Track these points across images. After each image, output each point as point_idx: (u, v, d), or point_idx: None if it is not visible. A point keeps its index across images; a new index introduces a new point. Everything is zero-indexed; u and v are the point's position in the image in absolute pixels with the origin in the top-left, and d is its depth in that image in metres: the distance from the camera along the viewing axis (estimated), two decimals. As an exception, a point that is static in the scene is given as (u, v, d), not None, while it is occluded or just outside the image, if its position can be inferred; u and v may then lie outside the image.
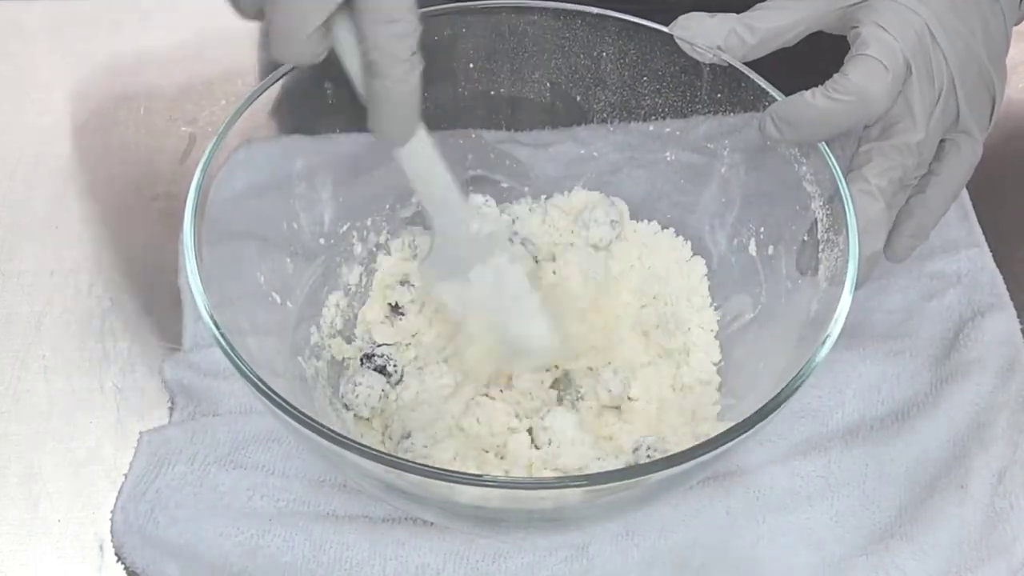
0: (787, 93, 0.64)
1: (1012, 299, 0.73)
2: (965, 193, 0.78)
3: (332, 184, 0.70)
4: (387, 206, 0.72)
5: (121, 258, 0.76)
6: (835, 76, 0.62)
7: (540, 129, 0.75)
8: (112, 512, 0.63)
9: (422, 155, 0.61)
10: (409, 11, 0.53)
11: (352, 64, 0.56)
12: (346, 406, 0.66)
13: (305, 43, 0.53)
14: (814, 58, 0.65)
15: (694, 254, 0.72)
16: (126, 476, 0.64)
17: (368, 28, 0.53)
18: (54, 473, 0.66)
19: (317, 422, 0.53)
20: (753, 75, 0.66)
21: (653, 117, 0.72)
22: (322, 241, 0.69)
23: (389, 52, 0.53)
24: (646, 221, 0.73)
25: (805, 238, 0.64)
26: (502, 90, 0.72)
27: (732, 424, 0.54)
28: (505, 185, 0.75)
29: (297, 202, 0.68)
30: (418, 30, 0.54)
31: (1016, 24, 0.69)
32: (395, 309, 0.69)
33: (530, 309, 0.66)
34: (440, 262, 0.66)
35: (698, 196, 0.72)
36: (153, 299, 0.73)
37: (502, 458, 0.64)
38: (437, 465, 0.53)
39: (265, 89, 0.64)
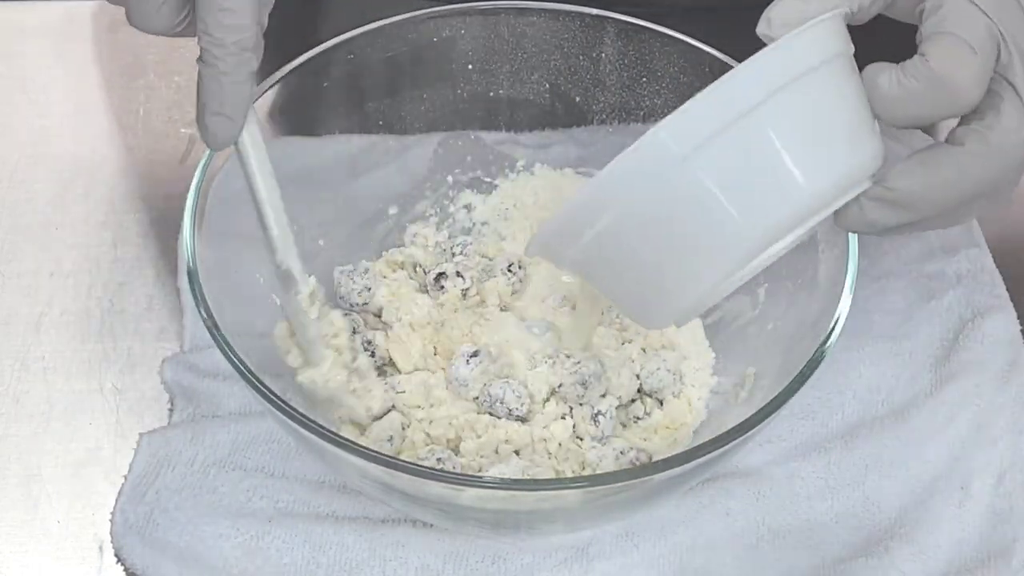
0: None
1: (1012, 300, 0.72)
2: (965, 194, 0.78)
3: (332, 185, 0.70)
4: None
5: (121, 259, 0.76)
6: (913, 58, 0.51)
7: (539, 130, 0.75)
8: (112, 513, 0.63)
9: (245, 162, 0.57)
10: (243, 4, 0.52)
11: None
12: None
13: (158, 15, 0.53)
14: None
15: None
16: (126, 477, 0.64)
17: (201, 12, 0.52)
18: (54, 474, 0.66)
19: (317, 423, 0.53)
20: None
21: (653, 118, 0.71)
22: (321, 243, 0.69)
23: (219, 41, 0.52)
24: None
25: (805, 239, 0.63)
26: (501, 91, 0.72)
27: (732, 425, 0.54)
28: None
29: (297, 204, 0.68)
30: (255, 28, 0.52)
31: None
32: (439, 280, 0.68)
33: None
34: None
35: (698, 197, 0.72)
36: (153, 300, 0.73)
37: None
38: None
39: (265, 91, 0.64)
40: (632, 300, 0.55)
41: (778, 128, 0.49)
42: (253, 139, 0.57)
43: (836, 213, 0.52)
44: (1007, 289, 0.73)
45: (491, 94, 0.72)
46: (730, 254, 0.51)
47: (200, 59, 0.53)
